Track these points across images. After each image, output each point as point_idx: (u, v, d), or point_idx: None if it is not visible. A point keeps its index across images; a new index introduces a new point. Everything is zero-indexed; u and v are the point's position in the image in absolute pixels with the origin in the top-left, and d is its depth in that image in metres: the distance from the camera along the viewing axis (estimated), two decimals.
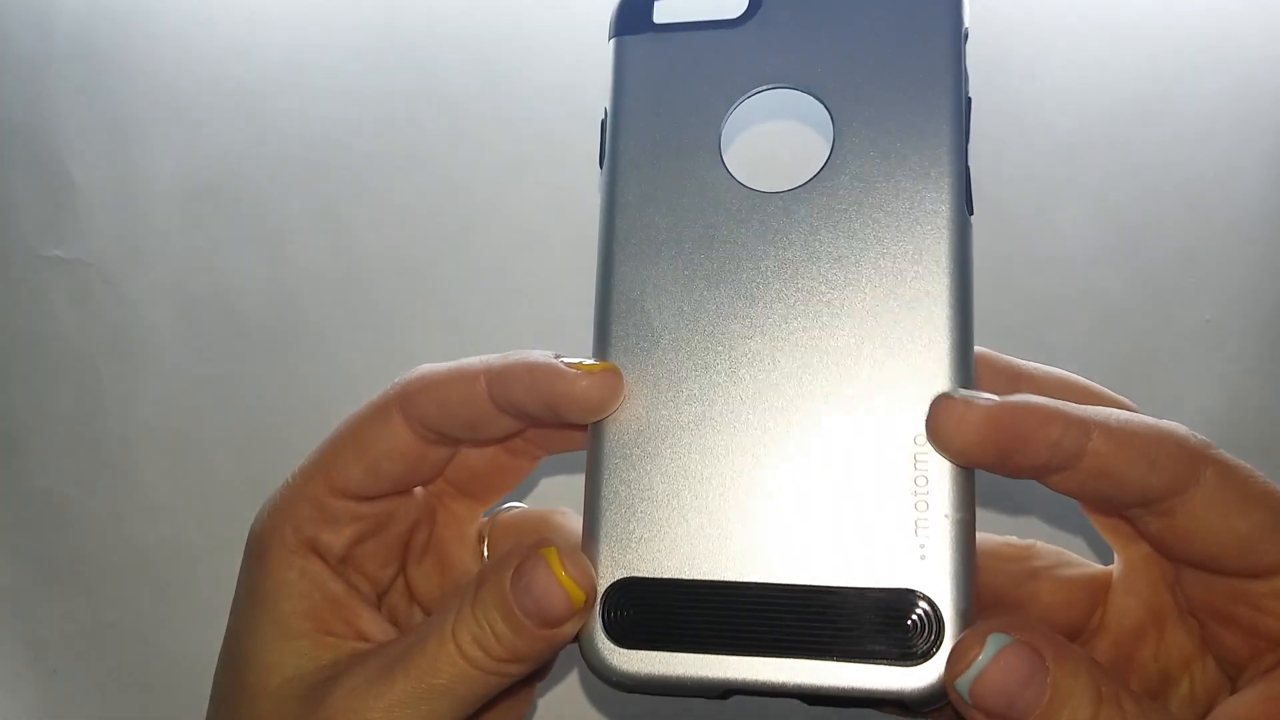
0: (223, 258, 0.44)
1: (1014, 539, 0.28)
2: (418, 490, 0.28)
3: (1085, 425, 0.22)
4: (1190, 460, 0.22)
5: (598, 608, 0.23)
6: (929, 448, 0.22)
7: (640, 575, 0.23)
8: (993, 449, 0.22)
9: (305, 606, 0.25)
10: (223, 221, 0.44)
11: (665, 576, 0.23)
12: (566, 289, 0.44)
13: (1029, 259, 0.43)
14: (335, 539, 0.26)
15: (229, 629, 0.27)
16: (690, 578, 0.23)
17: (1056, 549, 0.28)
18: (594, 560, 0.23)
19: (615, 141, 0.26)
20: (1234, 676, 0.24)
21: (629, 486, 0.23)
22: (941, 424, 0.22)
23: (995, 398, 0.22)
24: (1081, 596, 0.26)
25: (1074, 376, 0.26)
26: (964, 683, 0.20)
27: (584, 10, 0.43)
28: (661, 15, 0.26)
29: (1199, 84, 0.42)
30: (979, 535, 0.23)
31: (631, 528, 0.23)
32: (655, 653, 0.23)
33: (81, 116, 0.44)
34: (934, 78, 0.24)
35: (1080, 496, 0.23)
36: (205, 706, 0.47)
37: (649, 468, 0.23)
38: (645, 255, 0.25)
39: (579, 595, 0.22)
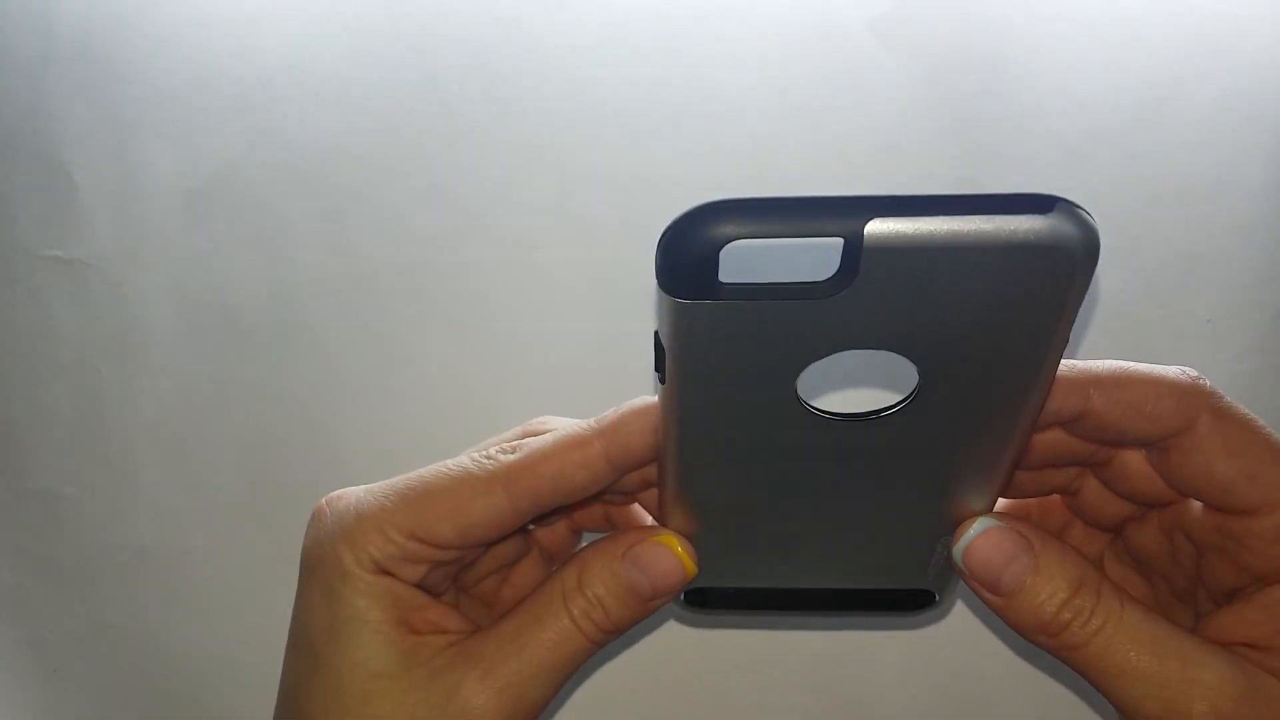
0: (223, 258, 0.44)
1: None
2: None
3: (1083, 386, 0.24)
4: (1185, 409, 0.24)
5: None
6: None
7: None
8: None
9: (396, 615, 0.26)
10: (223, 222, 0.44)
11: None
12: (567, 290, 0.44)
13: None
14: (411, 573, 0.27)
15: (308, 652, 0.27)
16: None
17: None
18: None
19: (678, 379, 0.23)
20: (1221, 605, 0.26)
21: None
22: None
23: None
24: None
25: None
26: (957, 550, 0.24)
27: (584, 11, 0.43)
28: (728, 269, 0.21)
29: (1200, 85, 0.42)
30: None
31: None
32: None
33: (81, 117, 0.44)
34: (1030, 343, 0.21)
35: (1089, 438, 0.26)
36: (206, 706, 0.47)
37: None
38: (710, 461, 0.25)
39: (693, 568, 0.27)
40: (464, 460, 0.27)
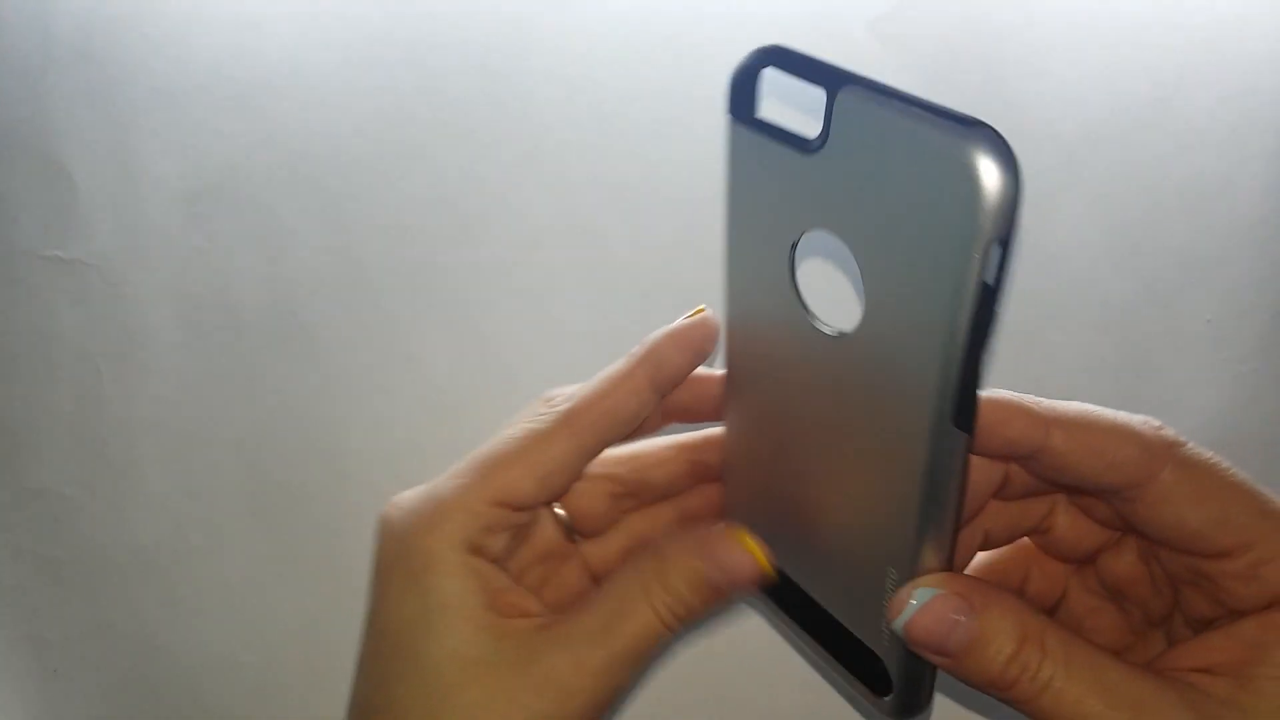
0: (223, 258, 0.44)
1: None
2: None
3: (1044, 423, 0.25)
4: (1147, 460, 0.24)
5: None
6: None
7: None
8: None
9: (485, 600, 0.27)
10: (223, 221, 0.44)
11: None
12: (566, 290, 0.44)
13: (1031, 260, 0.43)
14: (495, 543, 0.28)
15: (397, 650, 0.28)
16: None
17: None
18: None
19: (729, 225, 0.27)
20: (1197, 632, 0.26)
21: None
22: None
23: (989, 395, 0.25)
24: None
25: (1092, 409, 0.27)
26: (898, 625, 0.25)
27: (585, 10, 0.43)
28: (764, 111, 0.26)
29: (1200, 86, 0.42)
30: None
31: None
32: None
33: (82, 117, 0.44)
34: (944, 278, 0.21)
35: (1051, 481, 0.27)
36: (205, 705, 0.47)
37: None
38: (746, 338, 0.29)
39: (767, 564, 0.28)
40: (521, 424, 0.29)
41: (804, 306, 0.26)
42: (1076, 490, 0.27)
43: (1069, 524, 0.29)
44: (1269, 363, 0.43)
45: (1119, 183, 0.42)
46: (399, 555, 0.28)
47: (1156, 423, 0.25)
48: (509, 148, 0.43)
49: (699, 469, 0.32)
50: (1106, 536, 0.29)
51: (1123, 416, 0.25)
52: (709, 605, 0.28)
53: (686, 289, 0.43)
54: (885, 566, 0.26)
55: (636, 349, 0.29)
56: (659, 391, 0.29)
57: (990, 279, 0.21)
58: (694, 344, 0.29)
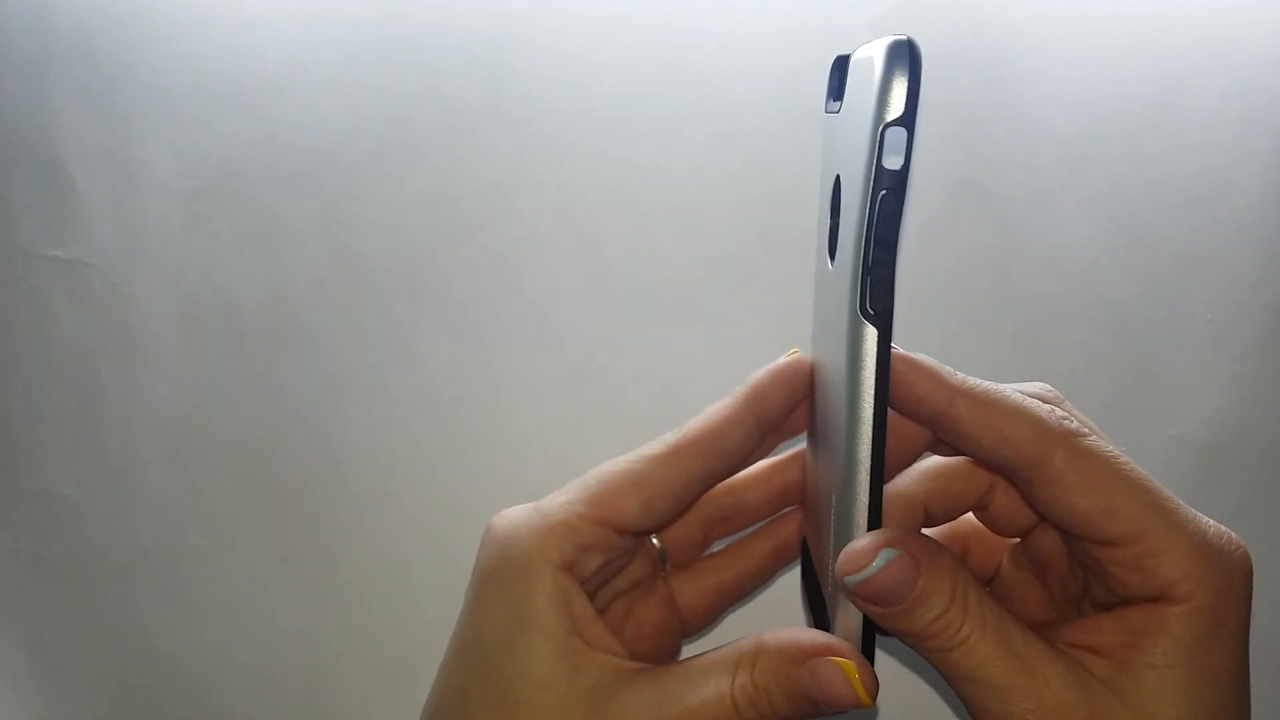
0: (222, 258, 0.44)
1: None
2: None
3: (951, 390, 0.26)
4: (1041, 442, 0.25)
5: None
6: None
7: None
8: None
9: (569, 624, 0.27)
10: (223, 222, 0.44)
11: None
12: (565, 290, 0.44)
13: (1031, 260, 0.43)
14: (589, 563, 0.29)
15: (480, 658, 0.28)
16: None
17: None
18: None
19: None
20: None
21: None
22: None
23: (896, 349, 0.26)
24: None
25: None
26: (853, 581, 0.25)
27: (584, 11, 0.43)
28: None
29: (1200, 87, 0.42)
30: None
31: None
32: None
33: (82, 117, 0.44)
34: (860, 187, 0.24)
35: (960, 452, 0.28)
36: (204, 705, 0.47)
37: None
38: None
39: (868, 701, 0.26)
40: (633, 452, 0.30)
41: (830, 255, 0.27)
42: (977, 461, 0.28)
43: (1005, 502, 0.31)
44: (1269, 362, 0.43)
45: (1120, 182, 0.42)
46: (497, 564, 0.28)
47: (1062, 413, 0.26)
48: (508, 148, 0.43)
49: (789, 489, 0.33)
50: (1034, 518, 0.30)
51: (1030, 402, 0.26)
52: (798, 713, 0.27)
53: (685, 288, 0.43)
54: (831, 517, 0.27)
55: (740, 386, 0.30)
56: (762, 427, 0.30)
57: (889, 163, 0.23)
58: (793, 381, 0.30)
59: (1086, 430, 0.26)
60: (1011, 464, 0.26)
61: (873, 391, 0.25)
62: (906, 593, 0.25)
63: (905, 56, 0.22)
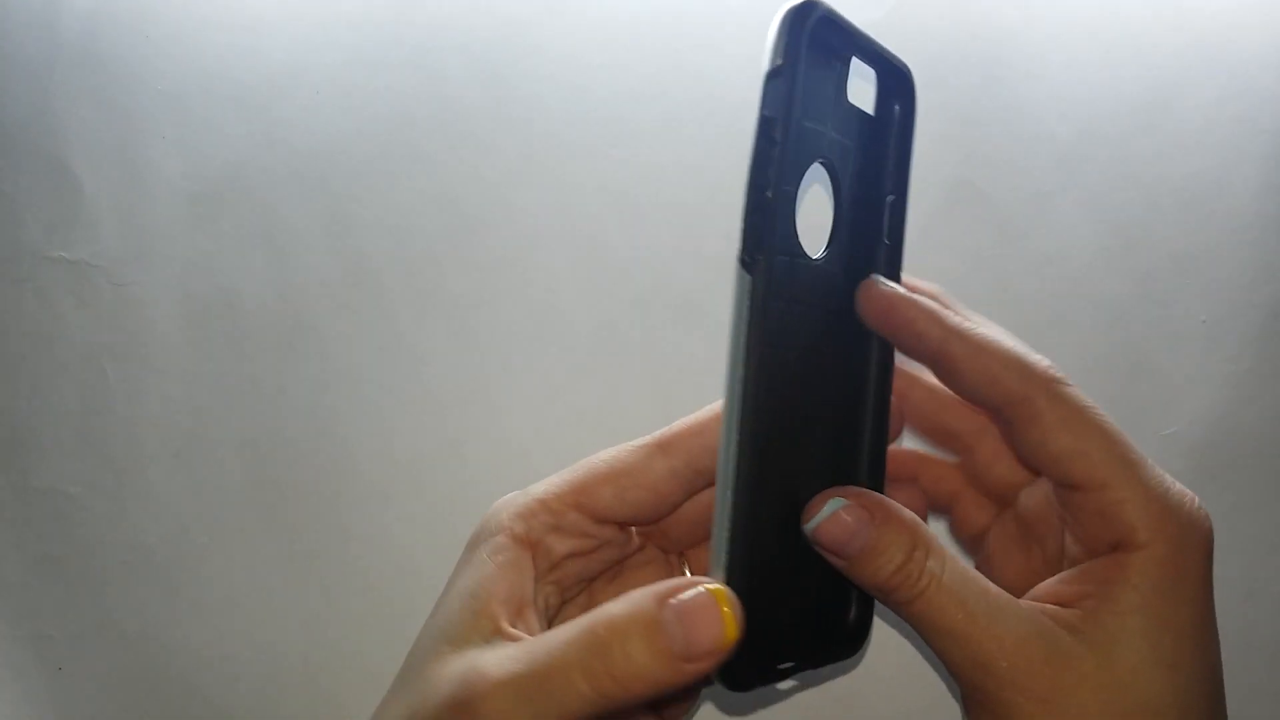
0: (227, 259, 0.45)
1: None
2: (634, 530, 0.33)
3: (946, 329, 0.28)
4: (1026, 383, 0.27)
5: None
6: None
7: None
8: (879, 319, 0.29)
9: (504, 592, 0.28)
10: (227, 223, 0.45)
11: None
12: (567, 290, 0.44)
13: (1028, 261, 0.43)
14: (559, 545, 0.30)
15: (437, 604, 0.30)
16: None
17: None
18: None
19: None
20: None
21: None
22: (860, 291, 0.29)
23: (900, 289, 0.29)
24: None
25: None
26: (809, 528, 0.27)
27: (585, 13, 0.43)
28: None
29: (1196, 88, 0.42)
30: None
31: None
32: None
33: (87, 118, 0.45)
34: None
35: (952, 390, 0.29)
36: (210, 704, 0.47)
37: None
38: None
39: (732, 630, 0.24)
40: (622, 445, 0.30)
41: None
42: (968, 400, 0.29)
43: (989, 451, 0.32)
44: (1263, 362, 0.43)
45: (1115, 183, 0.43)
46: (476, 531, 0.30)
47: (1048, 362, 0.27)
48: (510, 150, 0.43)
49: None
50: (1025, 476, 0.31)
51: (1021, 347, 0.27)
52: (657, 667, 0.24)
53: (685, 289, 0.44)
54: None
55: None
56: None
57: (763, 109, 0.25)
58: None
59: (1069, 381, 0.27)
60: (997, 403, 0.27)
61: (744, 341, 0.25)
62: (859, 544, 0.26)
63: (790, 15, 0.24)
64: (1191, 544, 0.26)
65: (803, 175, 0.27)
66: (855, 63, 0.28)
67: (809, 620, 0.29)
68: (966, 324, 0.28)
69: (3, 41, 0.45)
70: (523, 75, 0.43)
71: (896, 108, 0.29)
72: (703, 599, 0.24)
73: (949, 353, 0.27)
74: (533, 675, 0.24)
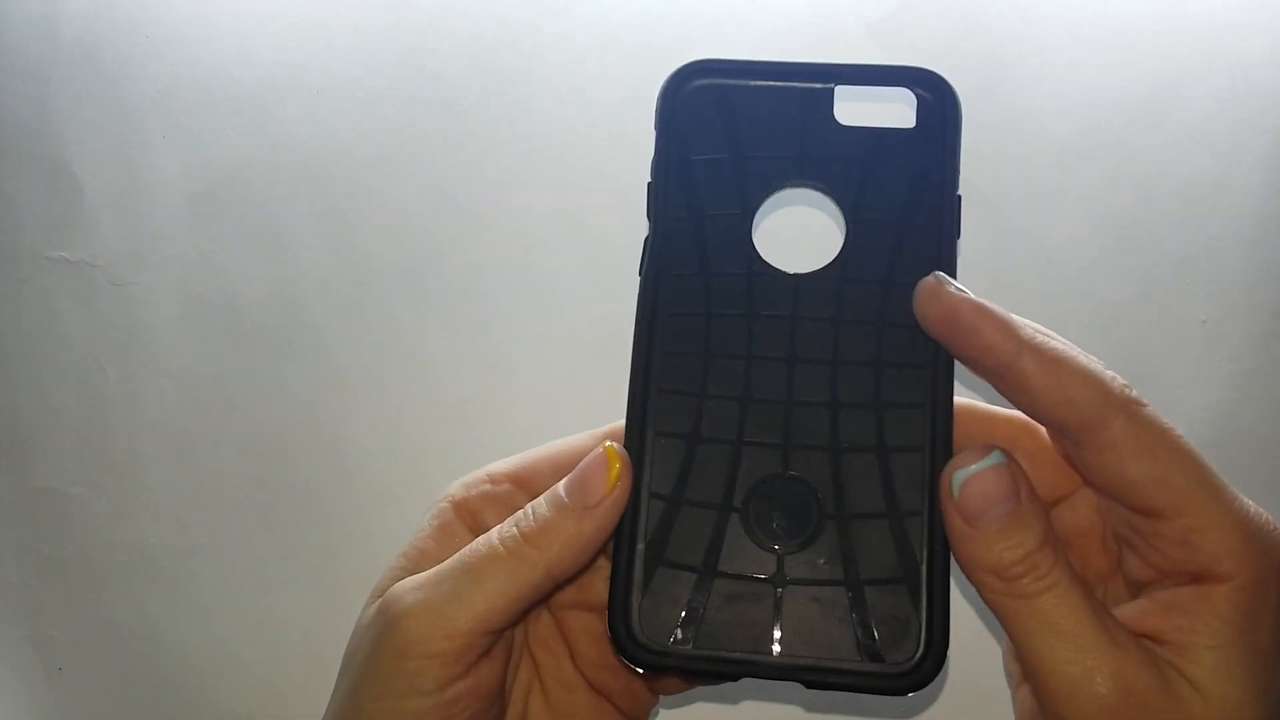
0: (227, 259, 0.45)
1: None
2: None
3: (1020, 343, 0.25)
4: (1102, 405, 0.25)
5: None
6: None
7: None
8: (944, 327, 0.26)
9: (435, 550, 0.29)
10: (227, 223, 0.45)
11: None
12: (567, 290, 0.44)
13: (1027, 261, 0.43)
14: (490, 516, 0.30)
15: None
16: None
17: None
18: None
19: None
20: (1134, 596, 0.27)
21: None
22: (920, 291, 0.27)
23: (968, 294, 0.26)
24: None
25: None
26: (960, 476, 0.25)
27: (585, 14, 0.43)
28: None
29: (1195, 89, 0.42)
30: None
31: None
32: None
33: (87, 119, 0.45)
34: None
35: (1016, 407, 0.27)
36: (209, 703, 0.47)
37: None
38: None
39: (616, 465, 0.27)
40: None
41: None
42: (1034, 418, 0.28)
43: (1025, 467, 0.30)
44: (1263, 362, 0.43)
45: (1115, 184, 0.43)
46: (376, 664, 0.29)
47: (1125, 381, 0.26)
48: (510, 150, 0.43)
49: None
50: (1067, 488, 0.30)
51: (1096, 365, 0.26)
52: (559, 519, 0.27)
53: None
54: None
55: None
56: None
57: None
58: None
59: (1147, 401, 0.26)
60: (1069, 424, 0.25)
61: (632, 356, 0.29)
62: (1003, 511, 0.24)
63: (663, 86, 0.28)
64: (1273, 567, 0.25)
65: (758, 203, 0.28)
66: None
67: (811, 619, 0.28)
68: (1039, 337, 0.26)
69: (3, 41, 0.46)
70: (523, 75, 0.43)
71: (938, 117, 0.28)
72: (597, 455, 0.27)
73: (1020, 368, 0.25)
74: (450, 570, 0.27)
